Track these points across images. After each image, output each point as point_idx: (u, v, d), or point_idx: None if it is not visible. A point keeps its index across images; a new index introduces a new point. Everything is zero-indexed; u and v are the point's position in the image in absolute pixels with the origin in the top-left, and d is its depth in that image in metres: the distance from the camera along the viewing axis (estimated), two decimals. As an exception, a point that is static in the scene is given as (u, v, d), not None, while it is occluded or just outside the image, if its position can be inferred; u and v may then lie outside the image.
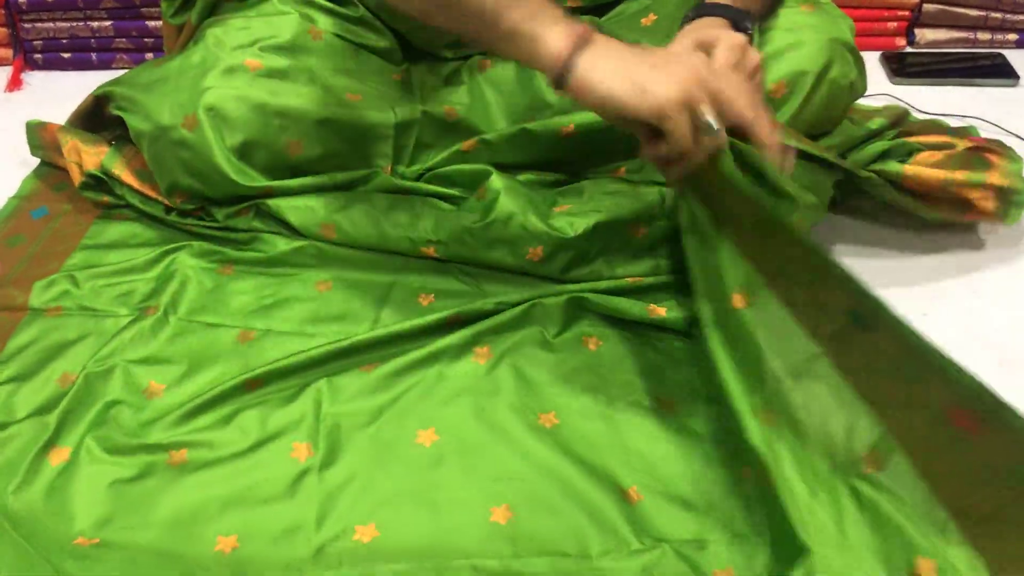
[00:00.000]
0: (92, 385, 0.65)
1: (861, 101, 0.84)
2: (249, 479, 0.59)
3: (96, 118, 0.84)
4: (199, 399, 0.64)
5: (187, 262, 0.76)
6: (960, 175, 0.77)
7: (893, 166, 0.79)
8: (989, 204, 0.76)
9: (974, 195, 0.77)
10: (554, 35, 0.55)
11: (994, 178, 0.77)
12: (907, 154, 0.82)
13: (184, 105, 0.73)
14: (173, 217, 0.80)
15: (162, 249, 0.77)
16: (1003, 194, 0.77)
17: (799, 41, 0.75)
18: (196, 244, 0.78)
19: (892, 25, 1.20)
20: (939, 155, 0.80)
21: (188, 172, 0.75)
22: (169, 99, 0.74)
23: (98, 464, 0.60)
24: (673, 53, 0.57)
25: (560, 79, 0.55)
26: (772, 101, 0.75)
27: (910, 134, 0.85)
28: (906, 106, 0.98)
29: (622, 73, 0.53)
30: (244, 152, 0.75)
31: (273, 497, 0.58)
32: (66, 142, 0.81)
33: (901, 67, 1.16)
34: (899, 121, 0.88)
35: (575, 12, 0.83)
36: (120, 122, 0.79)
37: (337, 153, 0.78)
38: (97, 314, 0.72)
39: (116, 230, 0.81)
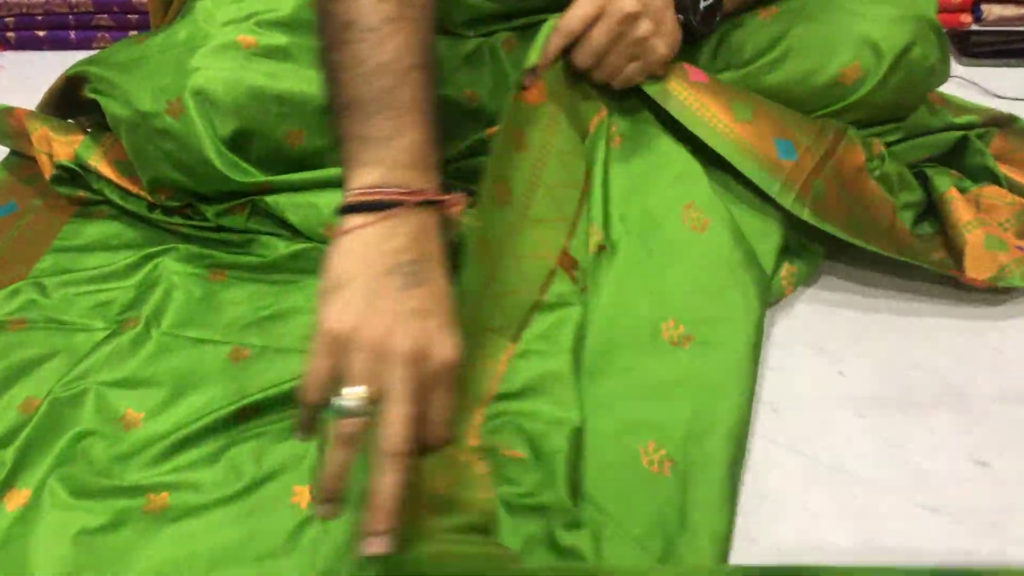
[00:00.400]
0: (59, 413, 0.59)
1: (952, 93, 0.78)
2: (242, 530, 0.53)
3: (70, 102, 0.77)
4: (183, 431, 0.58)
5: (173, 267, 0.71)
6: (980, 232, 0.70)
7: (943, 180, 0.73)
8: (980, 276, 0.68)
9: (975, 256, 0.69)
10: (366, 173, 0.45)
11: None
12: (984, 179, 0.76)
13: (168, 89, 0.67)
14: (157, 215, 0.74)
15: (144, 252, 0.72)
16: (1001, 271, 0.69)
17: (875, 15, 0.70)
18: (183, 247, 0.73)
19: (956, 0, 1.13)
20: (1008, 197, 0.73)
21: (173, 165, 0.69)
22: (151, 81, 0.68)
23: (62, 510, 0.54)
24: (424, 307, 0.43)
25: (338, 213, 0.46)
26: (842, 86, 0.70)
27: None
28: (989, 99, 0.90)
29: (353, 265, 0.43)
30: (237, 143, 0.69)
31: (270, 552, 0.52)
32: (35, 129, 0.75)
33: (967, 46, 1.09)
34: (995, 124, 0.80)
35: None
36: (97, 107, 0.72)
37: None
38: (68, 328, 0.66)
39: (93, 230, 0.75)
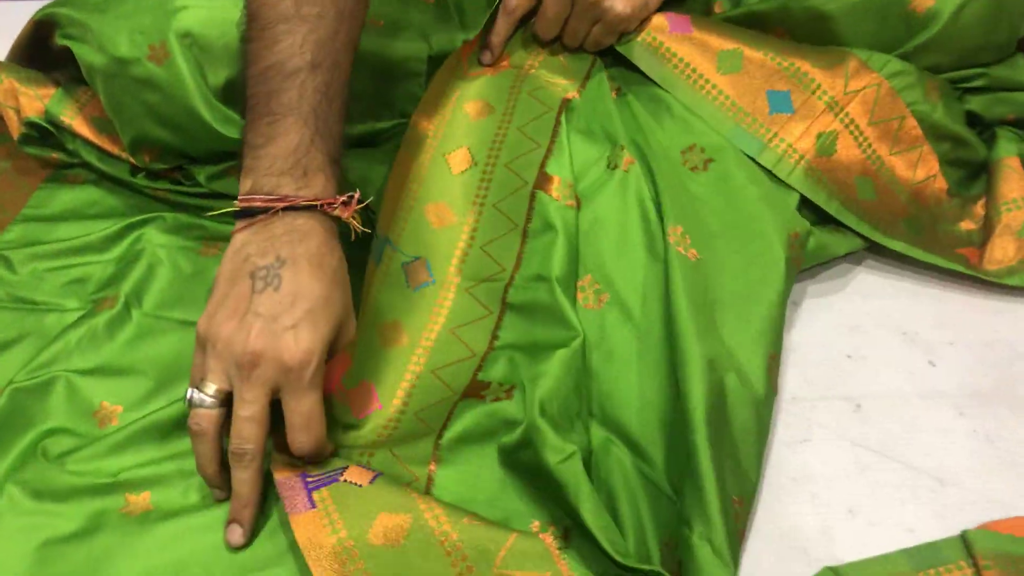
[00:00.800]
0: (22, 406, 0.54)
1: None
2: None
3: (43, 54, 0.71)
4: (165, 410, 0.53)
5: (158, 239, 0.66)
6: (1021, 214, 0.64)
7: (1008, 146, 0.68)
8: (995, 264, 0.63)
9: (1003, 239, 0.64)
10: (244, 180, 0.49)
11: None
12: None
13: (149, 31, 0.61)
14: (141, 180, 0.69)
15: (126, 222, 0.66)
16: None
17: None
18: (170, 216, 0.67)
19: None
20: None
21: (157, 120, 0.63)
22: (129, 22, 0.62)
23: (25, 516, 0.49)
24: (272, 311, 0.46)
25: (238, 216, 0.49)
26: (913, 16, 0.65)
27: None
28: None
29: (221, 269, 0.48)
30: (231, 94, 0.63)
31: (269, 559, 0.47)
32: (0, 82, 0.68)
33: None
34: None
35: None
36: (74, 58, 0.66)
37: (354, 96, 0.63)
38: (37, 308, 0.61)
39: (68, 196, 0.70)
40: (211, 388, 0.46)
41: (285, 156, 0.48)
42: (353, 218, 0.49)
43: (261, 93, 0.49)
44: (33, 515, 0.49)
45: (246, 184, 0.49)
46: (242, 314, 0.45)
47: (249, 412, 0.45)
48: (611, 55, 0.69)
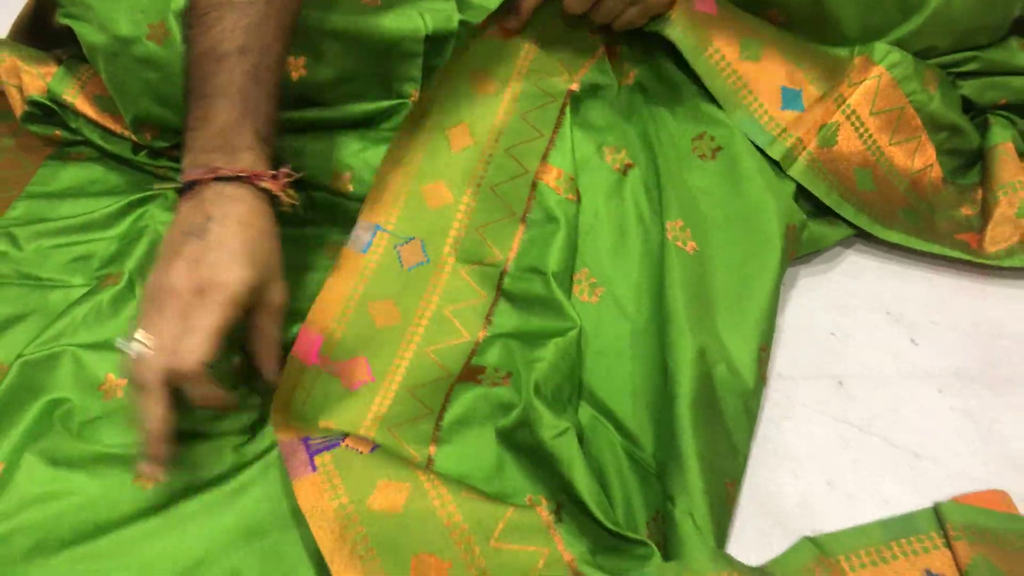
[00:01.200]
0: (31, 377, 0.55)
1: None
2: (238, 511, 0.50)
3: (44, 30, 0.70)
4: None
5: (160, 217, 0.66)
6: (1016, 196, 0.65)
7: (1003, 132, 0.68)
8: (994, 247, 0.64)
9: (999, 223, 0.65)
10: (185, 159, 0.52)
11: None
12: None
13: (148, 10, 0.61)
14: (143, 157, 0.69)
15: (128, 199, 0.67)
16: None
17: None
18: (171, 193, 0.67)
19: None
20: None
21: (157, 99, 0.64)
22: (129, 1, 0.62)
23: (41, 485, 0.51)
24: (197, 254, 0.48)
25: (181, 192, 0.52)
26: None
27: None
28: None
29: (172, 231, 0.50)
30: None
31: (273, 525, 0.49)
32: (2, 60, 0.69)
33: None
34: None
35: None
36: (75, 35, 0.65)
37: (350, 76, 0.65)
38: (42, 284, 0.62)
39: (71, 174, 0.70)
40: (141, 333, 0.47)
41: (215, 135, 0.51)
42: (285, 193, 0.52)
43: (197, 76, 0.52)
44: (50, 483, 0.50)
45: (185, 162, 0.52)
46: (171, 259, 0.48)
47: (154, 341, 0.46)
48: (625, 43, 0.68)
